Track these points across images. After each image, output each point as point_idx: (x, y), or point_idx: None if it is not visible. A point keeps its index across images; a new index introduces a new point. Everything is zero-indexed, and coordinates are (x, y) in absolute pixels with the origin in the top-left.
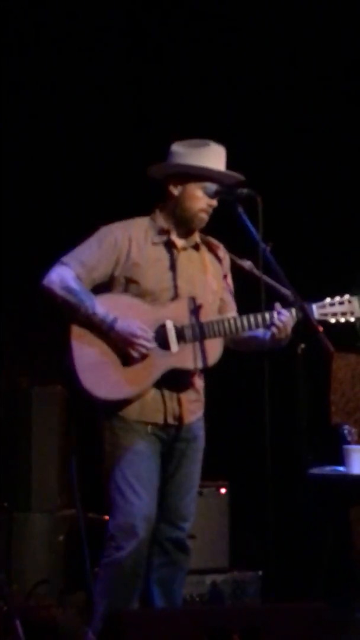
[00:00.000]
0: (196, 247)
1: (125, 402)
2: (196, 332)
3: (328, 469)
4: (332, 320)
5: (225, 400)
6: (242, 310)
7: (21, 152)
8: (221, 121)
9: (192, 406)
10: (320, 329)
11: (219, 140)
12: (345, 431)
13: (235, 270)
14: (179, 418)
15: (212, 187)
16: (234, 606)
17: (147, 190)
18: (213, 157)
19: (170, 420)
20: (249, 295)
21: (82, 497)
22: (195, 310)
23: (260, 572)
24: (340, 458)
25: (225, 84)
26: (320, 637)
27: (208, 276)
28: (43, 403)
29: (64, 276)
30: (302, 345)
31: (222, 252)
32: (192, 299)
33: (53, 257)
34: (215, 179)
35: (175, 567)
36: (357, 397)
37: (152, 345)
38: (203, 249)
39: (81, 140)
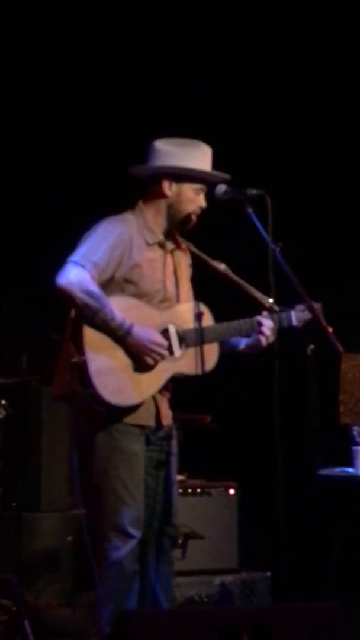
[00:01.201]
0: (176, 248)
1: (131, 408)
2: (196, 337)
3: (337, 470)
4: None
5: (234, 401)
6: (217, 313)
7: (10, 147)
8: (230, 121)
9: (168, 406)
10: (330, 329)
11: (228, 140)
12: (355, 432)
13: (209, 272)
14: (165, 419)
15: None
16: (243, 606)
17: (121, 185)
18: (204, 157)
19: (164, 422)
20: (224, 298)
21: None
22: (194, 314)
23: (269, 573)
24: (349, 458)
25: (232, 82)
26: (329, 637)
27: (184, 278)
28: (53, 402)
29: (82, 278)
30: (312, 346)
31: (188, 251)
32: (191, 304)
33: (58, 255)
34: (208, 180)
35: (170, 564)
36: None
37: (167, 353)
38: (179, 249)
39: (69, 137)
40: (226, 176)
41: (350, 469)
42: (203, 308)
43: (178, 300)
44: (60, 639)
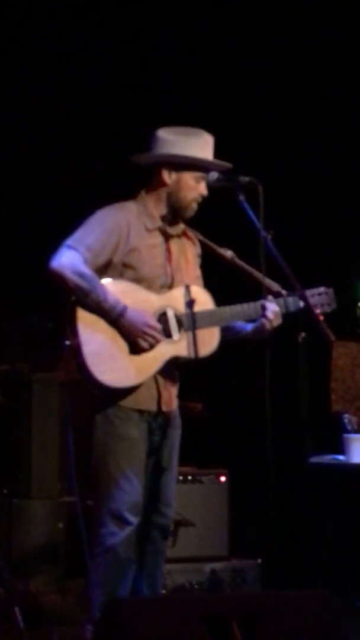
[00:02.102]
0: (181, 236)
1: (125, 391)
2: (196, 320)
3: (328, 458)
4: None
5: (225, 388)
6: (224, 300)
7: (9, 138)
8: (221, 109)
9: (175, 392)
10: (321, 317)
11: (219, 128)
12: (346, 420)
13: (216, 259)
14: (168, 405)
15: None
16: (233, 594)
17: (125, 175)
18: (205, 146)
19: (164, 408)
20: (230, 285)
21: (82, 485)
22: (192, 298)
23: (259, 560)
24: (340, 446)
25: (223, 69)
26: (319, 625)
27: (190, 264)
28: (43, 389)
29: (74, 261)
30: (303, 334)
31: (197, 240)
32: (188, 288)
33: (53, 243)
34: (208, 168)
35: (158, 554)
36: (357, 385)
37: (162, 337)
38: (185, 237)
39: (68, 127)
40: (226, 164)
41: (341, 457)
42: (204, 292)
43: (180, 286)
44: (51, 626)
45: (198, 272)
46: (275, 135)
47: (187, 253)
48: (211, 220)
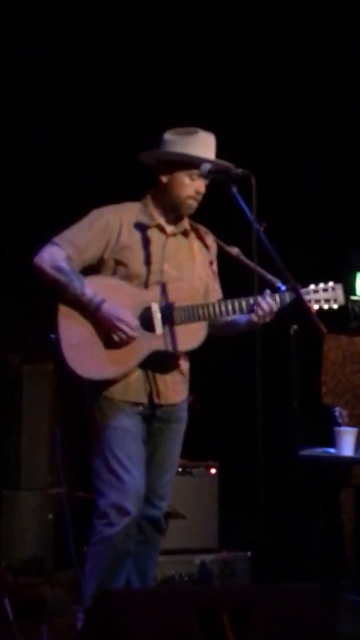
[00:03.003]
0: (185, 234)
1: (109, 383)
2: (180, 315)
3: (319, 451)
4: (316, 307)
5: (216, 380)
6: (230, 296)
7: (8, 134)
8: (214, 102)
9: (178, 387)
10: (314, 310)
11: (211, 121)
12: (337, 413)
13: (223, 256)
14: (164, 398)
15: (206, 166)
16: (222, 586)
17: (141, 176)
18: (201, 144)
19: (157, 401)
20: (236, 281)
21: (73, 477)
22: (181, 294)
23: (249, 553)
24: (330, 439)
25: (217, 64)
26: (309, 618)
27: (196, 262)
28: (33, 381)
29: (54, 255)
30: (295, 327)
31: (210, 239)
32: (177, 284)
33: (43, 238)
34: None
35: (149, 546)
36: (348, 378)
37: (134, 333)
38: (192, 235)
39: (75, 125)
40: (222, 162)
41: (331, 450)
42: (194, 289)
43: (176, 282)
44: (40, 617)
45: (207, 270)
46: (268, 127)
47: (193, 252)
48: (203, 212)
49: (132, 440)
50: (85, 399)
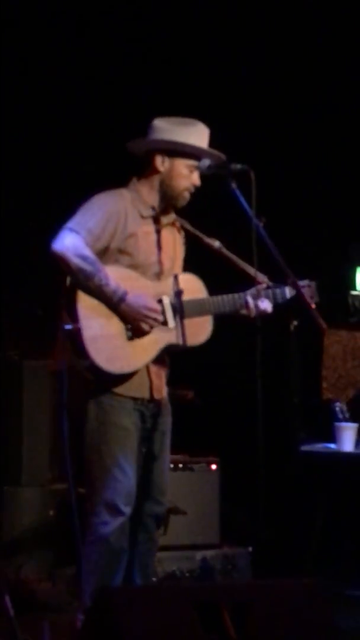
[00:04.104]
0: (172, 224)
1: (114, 378)
2: (190, 308)
3: (319, 446)
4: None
5: (217, 376)
6: (216, 288)
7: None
8: (214, 97)
9: (165, 381)
10: (313, 306)
11: (209, 115)
12: (337, 408)
13: (203, 249)
14: (158, 393)
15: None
16: (223, 582)
17: (117, 162)
18: (200, 136)
19: (156, 395)
20: (216, 274)
21: (74, 473)
22: (189, 286)
23: (250, 548)
24: (331, 434)
25: (215, 57)
26: (310, 613)
27: (177, 253)
28: (34, 376)
29: (77, 243)
30: (295, 322)
31: (181, 230)
32: (185, 276)
33: (44, 232)
34: (201, 157)
35: (152, 543)
36: (348, 373)
37: (162, 318)
38: (174, 226)
39: (60, 114)
40: (220, 155)
41: (332, 445)
42: (197, 281)
43: (173, 274)
44: (41, 613)
45: (181, 262)
46: (267, 122)
47: (176, 242)
48: (203, 208)
49: (130, 439)
50: (87, 394)
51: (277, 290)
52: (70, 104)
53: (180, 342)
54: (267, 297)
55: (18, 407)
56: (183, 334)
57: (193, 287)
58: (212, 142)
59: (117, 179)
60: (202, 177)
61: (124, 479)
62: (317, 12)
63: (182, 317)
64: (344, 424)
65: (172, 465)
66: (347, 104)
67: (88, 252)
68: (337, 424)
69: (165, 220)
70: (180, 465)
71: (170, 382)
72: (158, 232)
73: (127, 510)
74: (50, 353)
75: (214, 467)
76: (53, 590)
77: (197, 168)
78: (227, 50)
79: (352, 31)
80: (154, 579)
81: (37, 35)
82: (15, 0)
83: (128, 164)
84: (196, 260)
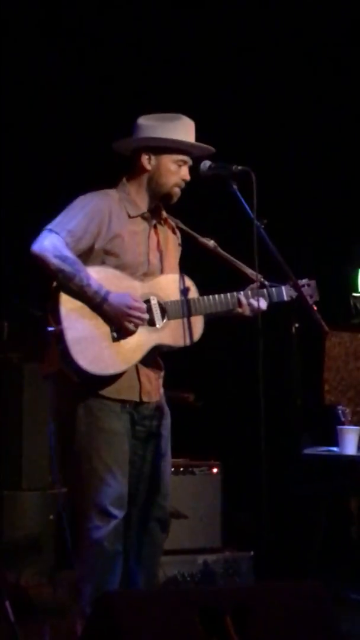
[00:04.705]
0: (162, 223)
1: (102, 381)
2: (179, 308)
3: (322, 449)
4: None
5: (219, 379)
6: (206, 289)
7: None
8: (215, 98)
9: (158, 383)
10: (315, 307)
11: (213, 117)
12: (340, 411)
13: (198, 249)
14: (148, 396)
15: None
16: (225, 586)
17: (108, 162)
18: (185, 130)
19: (145, 398)
20: (212, 274)
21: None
22: (179, 287)
23: (252, 552)
24: (333, 437)
25: (215, 57)
26: (312, 616)
27: (170, 252)
28: (34, 379)
29: (56, 244)
30: (296, 324)
31: (177, 230)
32: (174, 276)
33: (38, 230)
34: (188, 152)
35: (155, 547)
36: (350, 375)
37: (147, 316)
38: (166, 225)
39: (50, 114)
40: (208, 147)
41: (334, 449)
42: (188, 281)
43: (162, 274)
44: (42, 618)
45: (177, 261)
46: (268, 123)
47: (168, 241)
48: (203, 209)
49: (120, 443)
50: (69, 397)
51: (273, 290)
52: (66, 103)
53: (169, 342)
54: (262, 295)
55: (18, 410)
56: (172, 335)
57: (183, 287)
58: (214, 143)
59: (105, 179)
60: (203, 178)
61: (114, 482)
62: (321, 13)
63: (171, 317)
64: (346, 427)
65: (173, 469)
66: (350, 106)
67: (68, 253)
68: (339, 427)
69: (156, 218)
70: (182, 469)
71: (171, 385)
72: (148, 231)
73: (119, 513)
74: (42, 356)
75: (215, 470)
76: (54, 594)
77: (185, 163)
78: (229, 51)
79: (353, 34)
80: (157, 584)
81: (32, 40)
82: None
83: (117, 162)
84: (191, 260)
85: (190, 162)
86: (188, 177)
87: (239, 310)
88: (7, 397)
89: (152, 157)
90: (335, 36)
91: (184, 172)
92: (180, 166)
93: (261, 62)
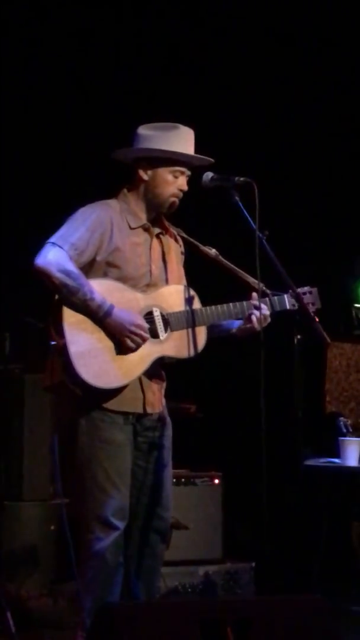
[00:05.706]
0: (164, 233)
1: (105, 393)
2: (182, 320)
3: (323, 461)
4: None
5: (220, 390)
6: (207, 298)
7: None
8: (217, 109)
9: (161, 394)
10: (317, 319)
11: (215, 128)
12: (341, 423)
13: (200, 257)
14: (152, 407)
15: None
16: (226, 598)
17: (109, 172)
18: (182, 140)
19: (149, 409)
20: (214, 283)
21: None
22: (182, 298)
23: (253, 563)
24: (334, 448)
25: (217, 68)
26: (314, 630)
27: (174, 263)
28: (36, 390)
29: (60, 259)
30: (298, 336)
31: (179, 238)
32: (178, 287)
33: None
34: (186, 162)
35: (156, 558)
36: (351, 386)
37: (148, 336)
38: (168, 234)
39: (47, 123)
40: (204, 158)
41: (336, 460)
42: (191, 291)
43: (166, 284)
44: (42, 630)
45: (182, 270)
46: (270, 134)
47: (171, 251)
48: (205, 220)
49: (122, 455)
50: (71, 409)
51: (275, 298)
52: (68, 110)
53: (172, 354)
54: (264, 304)
55: (19, 421)
56: (175, 346)
57: (186, 297)
58: (216, 153)
59: (108, 189)
60: (205, 189)
61: (116, 494)
62: (323, 22)
63: (174, 329)
64: (348, 439)
65: (174, 480)
66: (351, 117)
67: (72, 267)
68: (341, 438)
69: (157, 229)
70: (183, 480)
71: (172, 396)
72: (149, 242)
73: (121, 525)
74: (42, 369)
75: (216, 481)
76: (54, 606)
77: (182, 174)
78: (230, 61)
79: (354, 40)
80: (158, 595)
81: (32, 50)
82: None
83: (119, 172)
84: (192, 269)
85: (188, 172)
86: (185, 188)
87: (247, 325)
88: (9, 409)
89: (149, 168)
90: (338, 47)
91: (181, 183)
92: (177, 177)
93: (263, 72)
